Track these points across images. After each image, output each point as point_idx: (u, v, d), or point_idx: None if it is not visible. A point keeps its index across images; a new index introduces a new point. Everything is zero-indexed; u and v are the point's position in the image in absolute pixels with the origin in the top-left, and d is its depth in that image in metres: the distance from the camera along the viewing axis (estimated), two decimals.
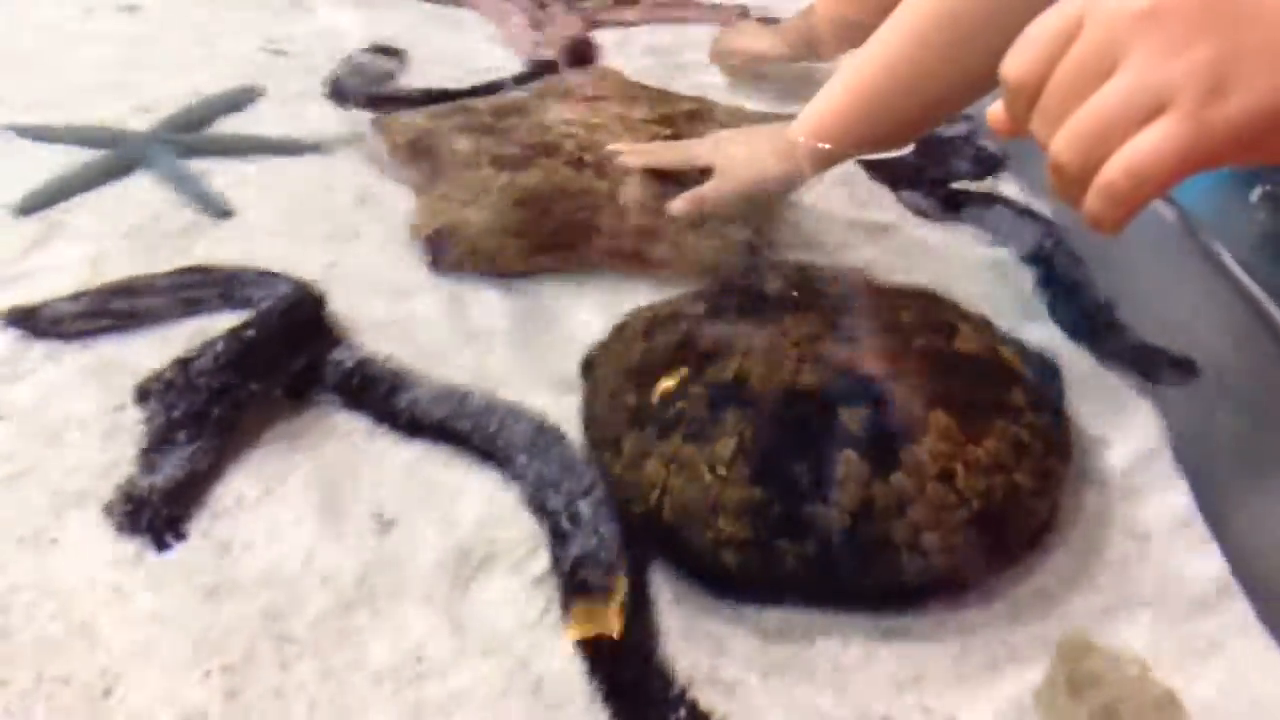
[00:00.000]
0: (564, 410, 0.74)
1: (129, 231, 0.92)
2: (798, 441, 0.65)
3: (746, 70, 1.27)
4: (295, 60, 1.25)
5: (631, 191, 0.92)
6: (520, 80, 1.21)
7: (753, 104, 1.17)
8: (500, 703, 0.58)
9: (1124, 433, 0.78)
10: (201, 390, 0.71)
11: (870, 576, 0.63)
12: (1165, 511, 0.72)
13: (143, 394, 0.72)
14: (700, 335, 0.73)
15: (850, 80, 0.83)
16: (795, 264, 0.93)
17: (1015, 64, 0.44)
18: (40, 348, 0.78)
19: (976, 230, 1.03)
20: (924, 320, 0.76)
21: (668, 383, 0.69)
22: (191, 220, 0.94)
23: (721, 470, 0.64)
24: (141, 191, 0.98)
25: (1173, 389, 0.80)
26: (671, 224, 0.91)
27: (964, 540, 0.63)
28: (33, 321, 0.79)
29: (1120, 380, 0.83)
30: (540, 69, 1.25)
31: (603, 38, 1.37)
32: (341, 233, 0.95)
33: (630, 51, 1.34)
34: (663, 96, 1.10)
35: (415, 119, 1.07)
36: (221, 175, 1.01)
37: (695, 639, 0.62)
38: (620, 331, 0.79)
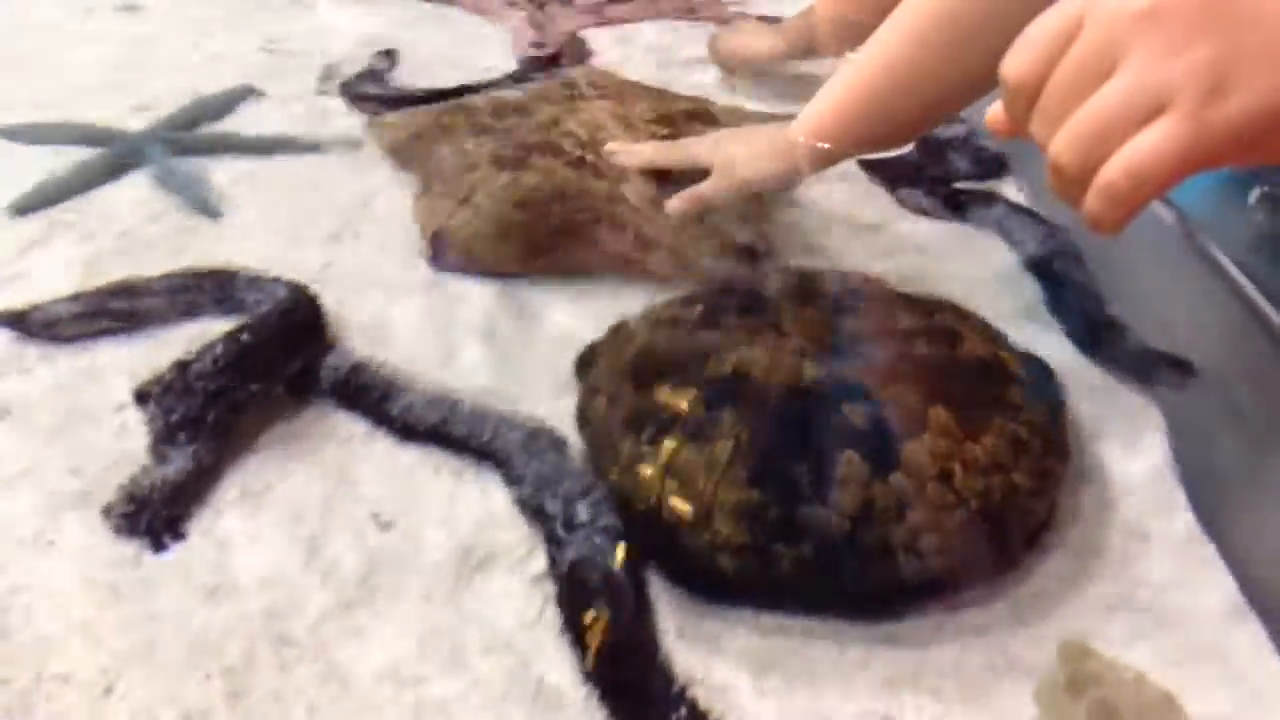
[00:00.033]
0: (561, 411, 0.74)
1: (125, 232, 0.92)
2: (796, 443, 0.64)
3: (746, 70, 1.27)
4: (294, 59, 1.25)
5: (630, 192, 0.92)
6: (519, 79, 1.21)
7: (752, 104, 1.17)
8: (500, 703, 0.58)
9: (1123, 434, 0.78)
10: (200, 393, 0.71)
11: (868, 579, 0.63)
12: (1164, 513, 0.72)
13: (141, 396, 0.72)
14: (698, 337, 0.73)
15: (849, 80, 0.83)
16: (794, 265, 0.93)
17: (1014, 64, 0.44)
18: (37, 349, 0.78)
19: (977, 230, 1.02)
20: (923, 321, 0.76)
21: (679, 401, 0.68)
22: (188, 220, 0.94)
23: (719, 472, 0.63)
24: (138, 191, 0.98)
25: (1171, 390, 0.80)
26: (670, 225, 0.91)
27: (962, 541, 0.63)
28: (25, 324, 0.79)
29: (1120, 382, 0.83)
30: (539, 67, 1.25)
31: (602, 37, 1.37)
32: (339, 233, 0.95)
33: (630, 51, 1.34)
34: (662, 96, 1.10)
35: (410, 118, 1.07)
36: (218, 174, 1.01)
37: (693, 641, 0.62)
38: (617, 333, 0.79)
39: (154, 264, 0.86)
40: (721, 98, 1.14)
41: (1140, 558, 0.69)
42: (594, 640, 0.59)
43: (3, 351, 0.78)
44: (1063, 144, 0.42)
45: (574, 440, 0.72)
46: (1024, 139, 0.46)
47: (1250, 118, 0.39)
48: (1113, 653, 0.61)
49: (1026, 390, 0.72)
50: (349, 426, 0.74)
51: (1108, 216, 0.42)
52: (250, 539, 0.66)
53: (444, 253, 0.91)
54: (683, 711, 0.57)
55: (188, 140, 1.06)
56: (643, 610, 0.62)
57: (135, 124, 1.07)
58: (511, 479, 0.70)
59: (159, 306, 0.82)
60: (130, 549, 0.64)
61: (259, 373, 0.73)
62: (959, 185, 1.08)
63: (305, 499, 0.69)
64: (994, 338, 0.77)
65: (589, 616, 0.60)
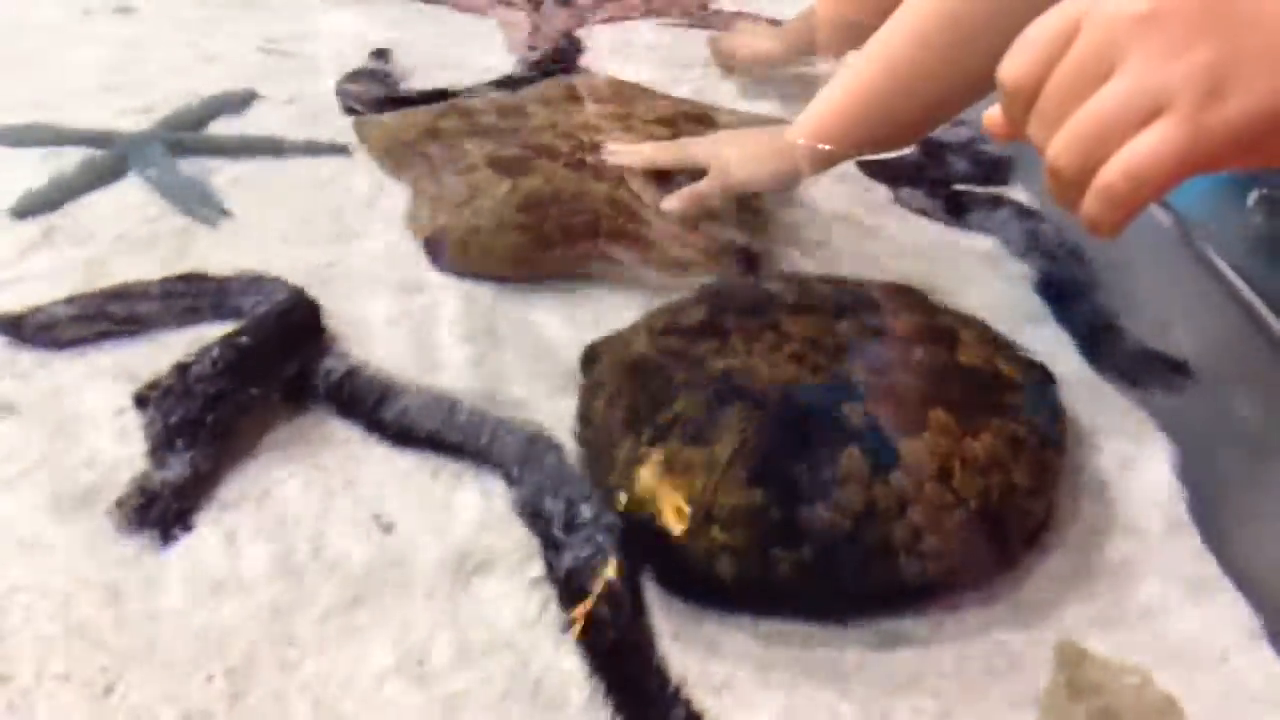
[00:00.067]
0: (560, 413, 0.74)
1: (125, 234, 0.92)
2: (796, 444, 0.64)
3: (746, 71, 1.28)
4: (292, 61, 1.25)
5: (629, 195, 0.92)
6: (518, 80, 1.21)
7: (753, 105, 1.17)
8: (501, 703, 0.58)
9: (1122, 436, 0.78)
10: (199, 396, 0.70)
11: (868, 580, 0.63)
12: (1162, 514, 0.72)
13: (140, 400, 0.72)
14: (699, 339, 0.73)
15: (850, 81, 0.83)
16: (794, 266, 0.93)
17: (1013, 66, 0.44)
18: (33, 353, 0.78)
19: (978, 232, 1.03)
20: (922, 323, 0.76)
21: (679, 403, 0.68)
22: (187, 223, 0.94)
23: (719, 472, 0.63)
24: (137, 194, 0.98)
25: (1169, 392, 0.81)
26: (669, 228, 0.91)
27: (961, 540, 0.63)
28: (21, 328, 0.79)
29: (1118, 384, 0.83)
30: (538, 68, 1.25)
31: (602, 37, 1.37)
32: (337, 235, 0.94)
33: (631, 51, 1.34)
34: (661, 98, 1.10)
35: (404, 119, 1.06)
36: (217, 177, 1.01)
37: (690, 644, 0.62)
38: (619, 335, 0.79)
39: (154, 266, 0.86)
40: (722, 99, 1.14)
41: (1139, 559, 0.69)
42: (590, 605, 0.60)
43: (2, 353, 0.77)
44: (1061, 146, 0.42)
45: (571, 444, 0.72)
46: (1022, 141, 0.46)
47: (1249, 120, 0.39)
48: (1112, 655, 0.61)
49: (1025, 391, 0.72)
50: (347, 430, 0.74)
51: (1106, 219, 0.42)
52: (250, 540, 0.66)
53: (442, 255, 0.91)
54: (679, 712, 0.57)
55: (188, 142, 1.06)
56: (638, 612, 0.62)
57: (135, 126, 1.06)
58: (509, 483, 0.70)
59: (156, 310, 0.81)
60: (130, 549, 0.64)
61: (258, 375, 0.73)
62: (959, 188, 1.08)
63: (304, 501, 0.69)
64: (993, 339, 0.78)
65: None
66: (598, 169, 0.94)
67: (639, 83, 1.15)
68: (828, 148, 0.85)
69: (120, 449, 0.70)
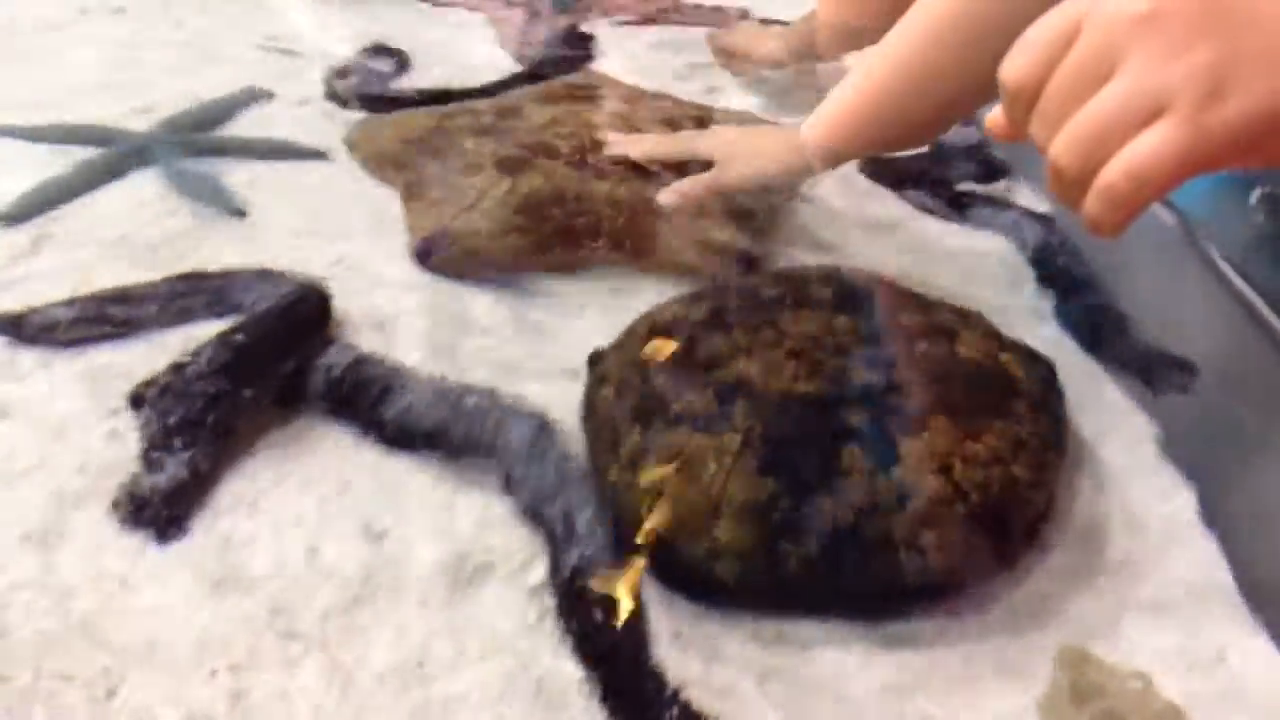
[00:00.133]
0: (559, 413, 0.74)
1: (126, 235, 0.91)
2: (801, 438, 0.65)
3: (748, 72, 1.28)
4: (293, 60, 1.25)
5: (629, 193, 0.92)
6: (518, 80, 1.21)
7: (754, 107, 1.17)
8: (500, 704, 0.58)
9: (1123, 434, 0.78)
10: (196, 395, 0.70)
11: (871, 577, 0.63)
12: (1164, 513, 0.72)
13: (136, 400, 0.71)
14: (704, 336, 0.73)
15: (861, 80, 0.83)
16: (799, 263, 0.93)
17: (1014, 67, 0.44)
18: (34, 354, 0.78)
19: (981, 230, 1.03)
20: (926, 319, 0.76)
21: (687, 397, 0.68)
22: (189, 224, 0.94)
23: (728, 463, 0.63)
24: (138, 194, 0.97)
25: (1173, 390, 0.80)
26: (669, 226, 0.91)
27: (963, 536, 0.63)
28: (21, 329, 0.79)
29: (1120, 382, 0.83)
30: (538, 69, 1.25)
31: (602, 37, 1.37)
32: (337, 234, 0.94)
33: (632, 51, 1.34)
34: (664, 99, 1.10)
35: (403, 120, 1.06)
36: (218, 177, 1.01)
37: (691, 645, 0.62)
38: (624, 335, 0.79)
39: (155, 267, 0.86)
40: (724, 100, 1.14)
41: (1140, 557, 0.69)
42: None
43: (1, 353, 0.77)
44: (1062, 146, 0.42)
45: (575, 443, 0.72)
46: (1024, 142, 0.46)
47: (1248, 120, 0.39)
48: (1114, 655, 0.61)
49: (1027, 386, 0.72)
50: (345, 432, 0.74)
51: (1108, 218, 0.42)
52: (249, 542, 0.66)
53: (441, 253, 0.90)
54: (675, 711, 0.57)
55: (200, 142, 1.05)
56: (639, 613, 0.62)
57: (135, 126, 1.06)
58: (511, 481, 0.69)
59: (157, 312, 0.81)
60: (131, 547, 0.64)
61: (255, 373, 0.73)
62: (962, 188, 1.08)
63: (301, 504, 0.68)
64: (995, 335, 0.78)
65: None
66: (600, 169, 0.94)
67: (640, 83, 1.15)
68: (838, 147, 0.84)
69: (120, 449, 0.70)
